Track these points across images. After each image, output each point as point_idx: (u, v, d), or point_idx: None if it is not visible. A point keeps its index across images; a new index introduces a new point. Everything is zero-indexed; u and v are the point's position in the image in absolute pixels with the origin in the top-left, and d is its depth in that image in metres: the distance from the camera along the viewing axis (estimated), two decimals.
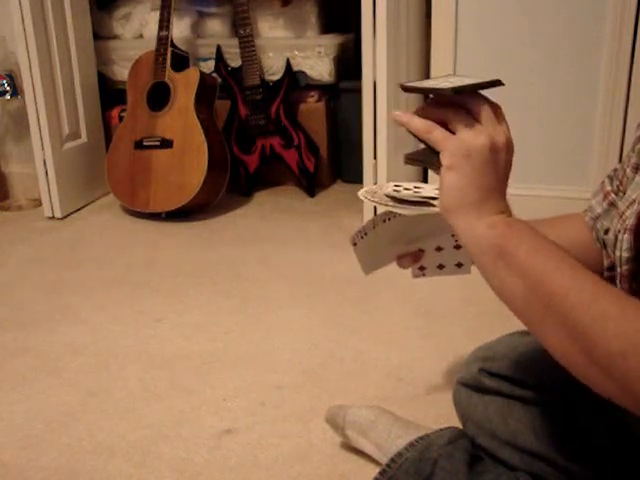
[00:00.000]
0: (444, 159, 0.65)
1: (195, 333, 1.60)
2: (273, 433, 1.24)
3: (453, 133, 0.66)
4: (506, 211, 0.66)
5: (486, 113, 0.66)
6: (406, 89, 0.68)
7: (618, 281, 0.73)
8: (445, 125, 0.66)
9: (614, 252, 0.73)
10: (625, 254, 0.70)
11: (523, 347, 0.95)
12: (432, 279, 0.98)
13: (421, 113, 0.68)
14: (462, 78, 0.67)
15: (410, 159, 0.70)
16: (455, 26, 2.00)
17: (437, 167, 0.66)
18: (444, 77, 0.69)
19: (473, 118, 0.65)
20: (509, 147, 0.66)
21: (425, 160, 0.69)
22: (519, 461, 0.90)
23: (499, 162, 0.65)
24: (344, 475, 1.12)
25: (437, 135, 0.65)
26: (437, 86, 0.65)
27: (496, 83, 0.65)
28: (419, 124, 0.66)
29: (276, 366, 1.45)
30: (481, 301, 1.64)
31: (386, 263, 0.92)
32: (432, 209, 0.78)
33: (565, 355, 0.60)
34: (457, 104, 0.66)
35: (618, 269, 0.72)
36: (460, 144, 0.64)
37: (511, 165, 0.66)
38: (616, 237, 0.73)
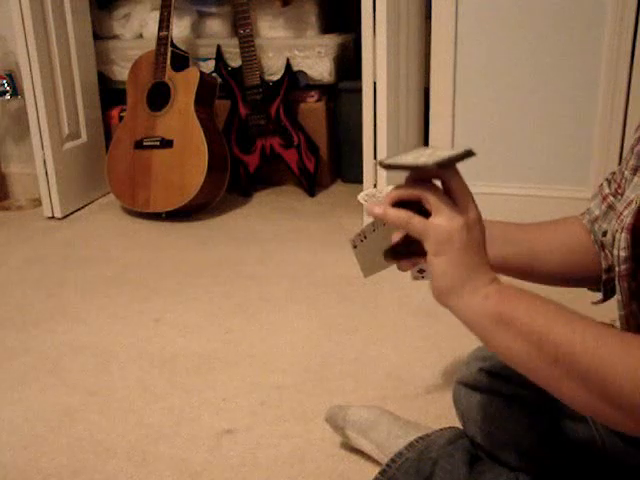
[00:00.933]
0: (429, 247, 0.66)
1: (195, 333, 1.61)
2: (273, 433, 1.24)
3: (426, 212, 0.66)
4: (495, 279, 0.68)
5: (462, 189, 0.67)
6: (387, 167, 0.69)
7: (617, 281, 0.73)
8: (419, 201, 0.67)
9: (612, 252, 0.73)
10: (622, 253, 0.71)
11: None
12: None
13: (398, 192, 0.68)
14: (435, 150, 0.68)
15: (391, 253, 0.72)
16: (455, 26, 2.00)
17: (422, 254, 0.67)
18: (416, 151, 0.69)
19: (449, 196, 0.66)
20: (480, 219, 0.68)
21: (409, 252, 0.70)
22: (519, 461, 0.90)
23: (476, 236, 0.67)
24: (344, 475, 1.12)
25: (416, 225, 0.66)
26: (418, 162, 0.65)
27: (471, 153, 0.65)
28: (395, 216, 0.67)
29: (276, 366, 1.45)
30: None
31: (385, 266, 0.92)
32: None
33: (581, 403, 0.62)
34: (434, 179, 0.67)
35: (617, 269, 0.72)
36: (441, 230, 0.65)
37: (484, 234, 0.68)
38: (614, 237, 0.73)
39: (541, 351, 0.62)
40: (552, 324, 0.62)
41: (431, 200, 0.65)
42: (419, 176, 0.67)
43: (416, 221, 0.66)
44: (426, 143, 2.21)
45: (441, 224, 0.65)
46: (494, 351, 0.66)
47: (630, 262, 0.70)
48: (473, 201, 0.67)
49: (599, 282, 0.88)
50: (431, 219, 0.65)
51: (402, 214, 0.66)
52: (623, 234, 0.70)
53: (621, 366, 0.57)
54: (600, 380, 0.58)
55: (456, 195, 0.66)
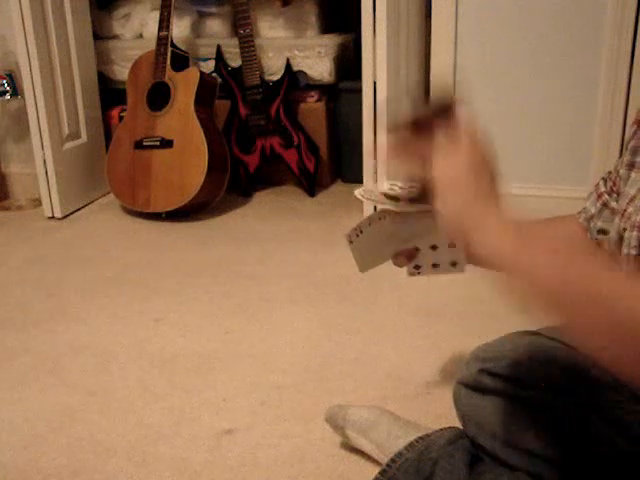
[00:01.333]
0: (436, 181, 0.67)
1: (195, 333, 1.60)
2: (273, 433, 1.24)
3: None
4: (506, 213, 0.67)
5: (459, 131, 0.68)
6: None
7: None
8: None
9: (620, 251, 0.73)
10: (633, 252, 0.70)
11: (523, 347, 0.95)
12: (431, 279, 0.99)
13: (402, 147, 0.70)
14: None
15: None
16: (455, 26, 2.00)
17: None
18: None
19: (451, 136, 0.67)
20: (483, 152, 0.68)
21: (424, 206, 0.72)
22: (519, 461, 0.90)
23: (482, 169, 0.68)
24: (344, 475, 1.12)
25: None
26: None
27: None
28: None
29: (276, 366, 1.45)
30: (481, 301, 1.64)
31: (382, 261, 0.92)
32: (426, 206, 0.78)
33: (602, 334, 0.59)
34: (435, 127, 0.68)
35: (625, 267, 0.72)
36: (446, 174, 0.67)
37: (491, 165, 0.68)
38: (622, 236, 0.72)
39: (565, 275, 0.59)
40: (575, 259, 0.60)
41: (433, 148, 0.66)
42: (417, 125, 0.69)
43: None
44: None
45: (445, 170, 0.66)
46: (520, 278, 0.63)
47: None
48: (475, 137, 0.67)
49: None
50: (435, 168, 0.67)
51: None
52: (634, 232, 0.70)
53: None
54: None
55: (455, 137, 0.66)
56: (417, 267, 0.91)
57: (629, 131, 0.81)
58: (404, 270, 0.97)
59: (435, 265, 0.90)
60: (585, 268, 0.59)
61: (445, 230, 0.67)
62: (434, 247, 0.88)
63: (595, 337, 0.58)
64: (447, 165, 0.65)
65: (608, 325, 0.56)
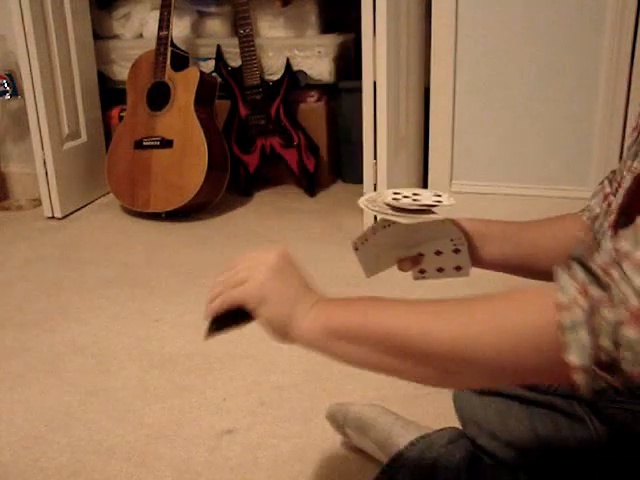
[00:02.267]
0: (250, 307, 0.73)
1: (195, 333, 1.60)
2: (273, 433, 1.24)
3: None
4: (316, 299, 0.74)
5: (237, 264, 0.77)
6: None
7: None
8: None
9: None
10: None
11: None
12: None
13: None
14: None
15: (215, 326, 0.79)
16: (455, 26, 2.00)
17: (250, 318, 0.74)
18: None
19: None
20: (280, 253, 0.75)
21: (227, 324, 0.78)
22: (519, 461, 0.90)
23: (283, 270, 0.74)
24: (344, 475, 1.12)
25: (232, 293, 0.77)
26: None
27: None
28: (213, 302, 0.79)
29: (276, 366, 1.45)
30: None
31: (388, 266, 0.94)
32: (431, 216, 0.80)
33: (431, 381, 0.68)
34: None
35: None
36: (250, 286, 0.73)
37: (292, 264, 0.76)
38: (604, 234, 0.73)
39: (388, 346, 0.65)
40: (383, 319, 0.66)
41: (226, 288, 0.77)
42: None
43: (231, 292, 0.76)
44: (426, 142, 2.21)
45: (247, 282, 0.73)
46: (347, 363, 0.70)
47: None
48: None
49: None
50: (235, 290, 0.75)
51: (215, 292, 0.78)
52: (609, 232, 0.71)
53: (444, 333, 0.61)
54: (437, 355, 0.61)
55: (239, 267, 0.77)
56: (422, 272, 0.92)
57: (631, 135, 0.81)
58: (400, 270, 0.98)
59: (440, 269, 0.91)
60: (383, 316, 0.66)
61: (269, 334, 0.73)
62: (438, 252, 0.89)
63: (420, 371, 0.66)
64: (251, 283, 0.73)
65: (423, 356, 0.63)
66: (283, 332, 0.72)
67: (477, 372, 0.61)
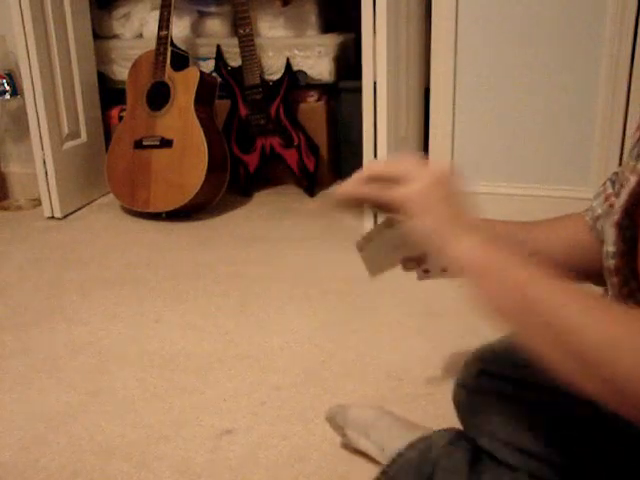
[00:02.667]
0: (411, 212, 0.69)
1: (195, 333, 1.60)
2: (273, 433, 1.24)
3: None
4: (478, 227, 0.69)
5: (403, 167, 0.70)
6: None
7: (607, 275, 0.74)
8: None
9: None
10: (610, 248, 0.71)
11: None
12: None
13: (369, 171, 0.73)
14: None
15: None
16: (455, 26, 2.00)
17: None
18: None
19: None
20: (446, 175, 0.70)
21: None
22: (519, 461, 0.89)
23: (449, 188, 0.70)
24: (344, 475, 1.12)
25: (393, 194, 0.69)
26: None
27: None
28: (368, 192, 0.73)
29: (276, 366, 1.45)
30: None
31: (392, 266, 0.94)
32: None
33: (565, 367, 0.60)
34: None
35: (605, 263, 0.73)
36: (417, 191, 0.68)
37: (458, 184, 0.71)
38: (606, 232, 0.73)
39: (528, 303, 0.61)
40: (543, 286, 0.61)
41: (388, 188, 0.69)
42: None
43: (390, 191, 0.69)
44: (426, 142, 2.21)
45: (415, 187, 0.68)
46: (484, 294, 0.66)
47: (618, 258, 0.71)
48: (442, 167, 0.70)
49: (602, 277, 0.88)
50: (402, 188, 0.69)
51: (374, 188, 0.70)
52: (612, 229, 0.71)
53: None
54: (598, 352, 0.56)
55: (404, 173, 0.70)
56: (426, 271, 0.92)
57: (633, 136, 0.81)
58: (404, 270, 0.98)
59: (444, 269, 0.91)
60: (548, 291, 0.61)
61: (420, 244, 0.70)
62: None
63: (549, 356, 0.60)
64: (419, 187, 0.68)
65: (555, 345, 0.58)
66: (437, 243, 0.68)
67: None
